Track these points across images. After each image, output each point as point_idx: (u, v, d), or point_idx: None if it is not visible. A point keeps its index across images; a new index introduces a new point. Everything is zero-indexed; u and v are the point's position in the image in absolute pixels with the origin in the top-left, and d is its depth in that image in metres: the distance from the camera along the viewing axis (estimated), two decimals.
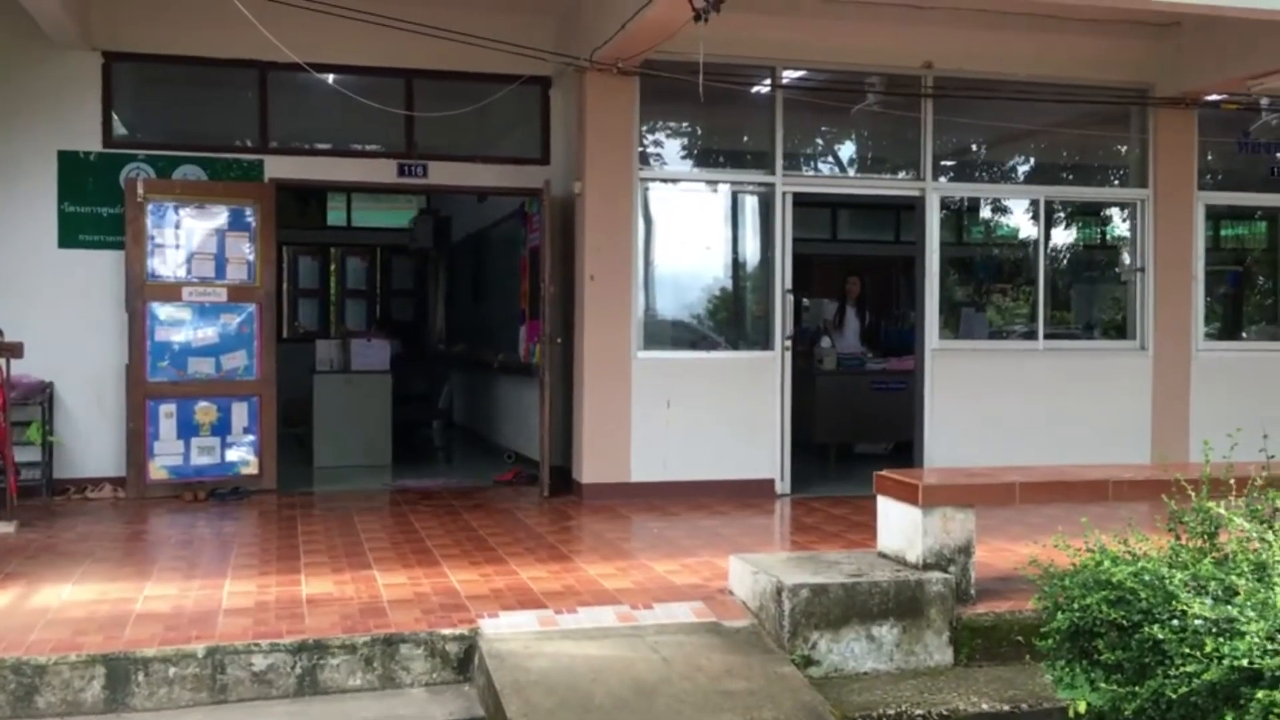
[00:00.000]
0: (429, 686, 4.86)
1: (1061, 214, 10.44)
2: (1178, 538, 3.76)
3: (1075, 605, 3.48)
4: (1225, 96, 9.66)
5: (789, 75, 9.07)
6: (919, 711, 4.67)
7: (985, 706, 4.74)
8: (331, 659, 4.80)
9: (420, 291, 16.11)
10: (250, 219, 8.83)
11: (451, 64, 8.92)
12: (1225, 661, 2.95)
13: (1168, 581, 3.26)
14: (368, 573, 6.00)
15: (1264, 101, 9.96)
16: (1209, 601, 3.13)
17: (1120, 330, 10.12)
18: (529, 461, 9.86)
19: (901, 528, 5.45)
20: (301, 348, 11.76)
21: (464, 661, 4.93)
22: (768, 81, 8.99)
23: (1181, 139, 9.70)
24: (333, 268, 16.15)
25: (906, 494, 5.38)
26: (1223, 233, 11.51)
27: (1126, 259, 10.14)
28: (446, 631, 4.96)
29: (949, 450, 9.09)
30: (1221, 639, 3.05)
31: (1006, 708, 4.75)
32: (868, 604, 5.07)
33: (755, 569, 5.36)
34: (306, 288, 15.98)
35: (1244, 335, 10.81)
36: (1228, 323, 10.74)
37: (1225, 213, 10.49)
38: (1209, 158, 10.01)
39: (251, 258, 8.86)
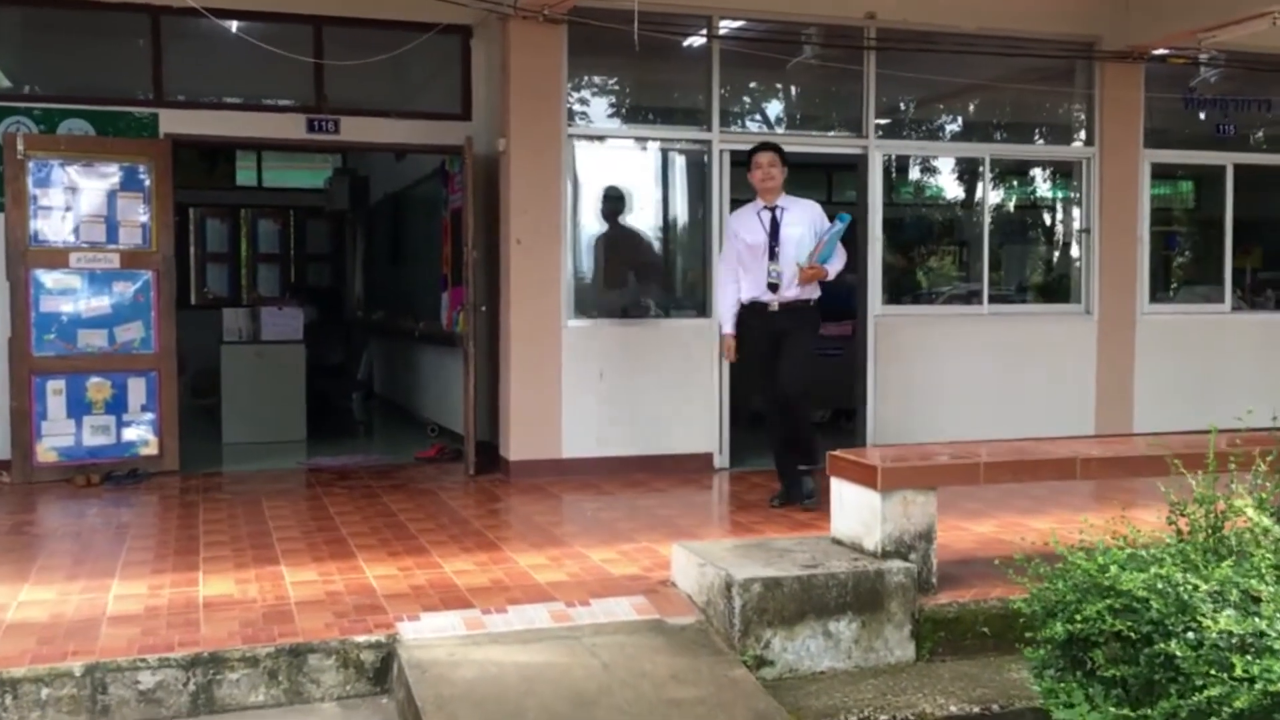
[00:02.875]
0: (341, 701, 4.35)
1: (999, 172, 10.09)
2: (1179, 533, 3.36)
3: (1073, 613, 3.07)
4: (1172, 51, 9.37)
5: (726, 25, 8.56)
6: (883, 716, 4.27)
7: (954, 709, 4.35)
8: (230, 673, 4.27)
9: (338, 256, 15.38)
10: (144, 178, 8.12)
11: (365, 10, 8.31)
12: (1258, 685, 2.57)
13: (1183, 590, 2.86)
14: (274, 569, 5.45)
15: (1204, 56, 9.68)
16: (1232, 613, 2.73)
17: (1061, 294, 9.85)
18: (454, 436, 9.33)
19: (858, 512, 5.04)
20: (211, 315, 11.05)
21: (381, 671, 4.43)
22: (704, 32, 8.48)
23: (1128, 95, 9.39)
24: (243, 230, 15.33)
25: (863, 476, 4.97)
26: (1153, 192, 11.28)
27: (1068, 219, 9.86)
28: (361, 639, 4.44)
29: (895, 421, 8.75)
30: (1250, 656, 2.66)
31: (976, 709, 4.37)
32: (824, 598, 4.66)
33: (701, 560, 4.92)
34: (215, 252, 15.15)
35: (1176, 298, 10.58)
36: (1168, 286, 10.52)
37: (1167, 172, 10.21)
38: (1154, 115, 9.71)
39: (146, 220, 8.16)
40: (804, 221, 6.67)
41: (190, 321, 12.19)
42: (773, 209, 6.70)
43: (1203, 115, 10.10)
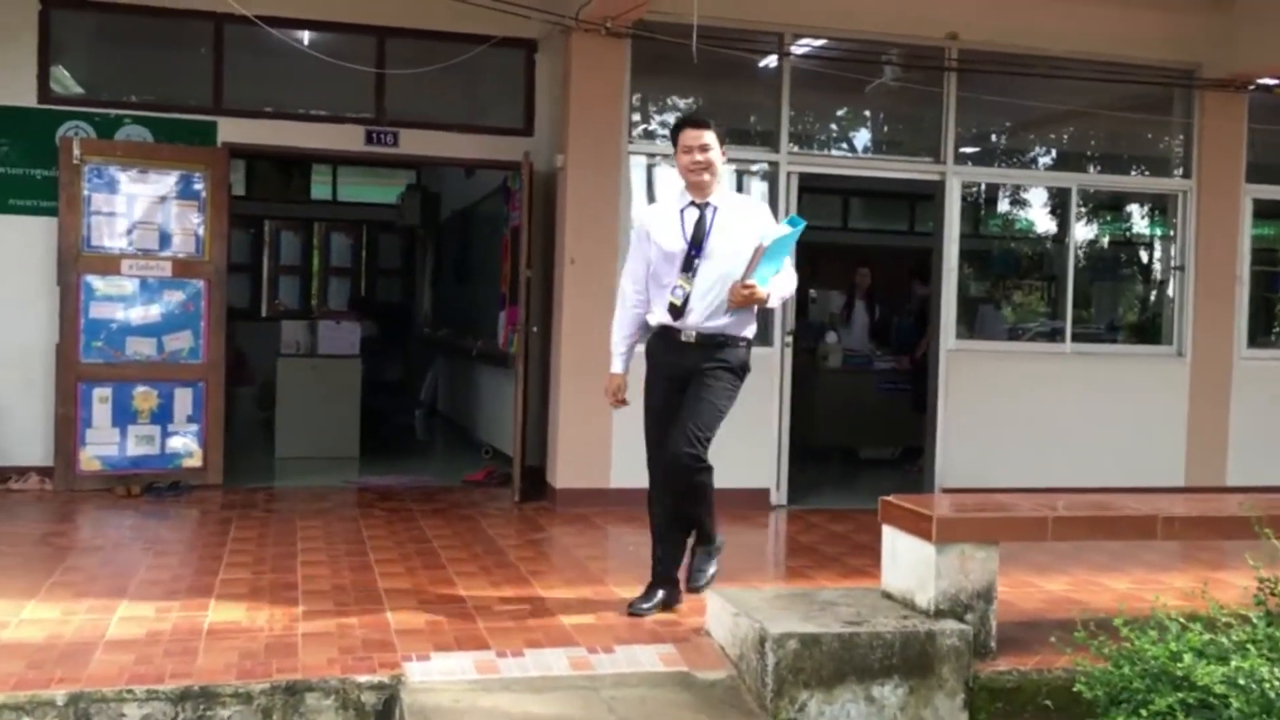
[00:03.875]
0: None
1: (1090, 206, 9.56)
2: (1268, 614, 2.90)
3: (1141, 704, 2.63)
4: (1278, 81, 8.77)
5: (798, 45, 8.20)
6: None
7: None
8: (221, 710, 3.99)
9: (408, 271, 15.31)
10: (200, 186, 8.00)
11: (430, 22, 8.11)
12: None
13: (1269, 686, 2.42)
14: (290, 594, 5.19)
15: None
16: None
17: (1151, 334, 9.27)
18: (507, 459, 9.05)
19: (911, 565, 4.62)
20: (288, 325, 10.94)
21: (383, 715, 4.11)
22: (773, 50, 8.12)
23: (1230, 126, 8.80)
24: (316, 243, 15.32)
25: (918, 526, 4.55)
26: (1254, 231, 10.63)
27: (1161, 255, 9.30)
28: (363, 679, 4.14)
29: (964, 463, 8.24)
30: None
31: None
32: (868, 659, 4.24)
33: (736, 609, 4.53)
34: (288, 264, 15.16)
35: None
36: (1270, 329, 9.85)
37: (1271, 209, 9.57)
38: (1257, 149, 9.11)
39: (200, 229, 8.03)
40: (744, 231, 4.84)
41: (260, 333, 12.23)
42: (702, 207, 4.92)
43: None
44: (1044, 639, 4.76)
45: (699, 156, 4.88)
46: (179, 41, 8.30)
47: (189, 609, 4.91)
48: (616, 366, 5.11)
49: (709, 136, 4.91)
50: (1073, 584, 5.90)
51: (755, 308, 4.95)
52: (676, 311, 4.89)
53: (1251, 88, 8.75)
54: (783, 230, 4.75)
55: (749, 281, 4.75)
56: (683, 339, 4.91)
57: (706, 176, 4.91)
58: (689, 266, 4.87)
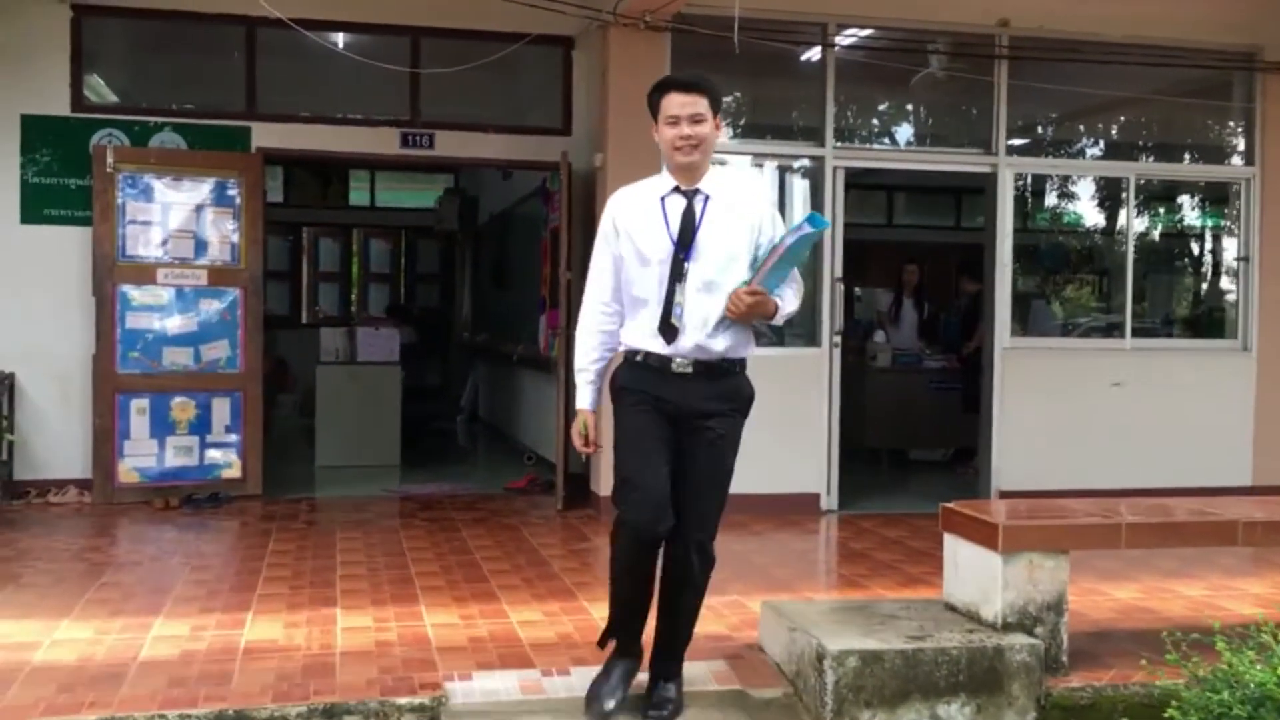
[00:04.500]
0: None
1: (1146, 196, 9.23)
2: None
3: None
4: None
5: (843, 35, 7.96)
6: None
7: None
8: None
9: (447, 276, 15.18)
10: (234, 193, 7.88)
11: (464, 20, 7.95)
12: None
13: None
14: (329, 611, 5.03)
15: None
16: None
17: (1214, 328, 8.93)
18: (549, 465, 8.87)
19: (975, 575, 4.38)
20: (326, 333, 10.84)
21: None
22: (817, 41, 7.88)
23: None
24: (355, 249, 15.24)
25: (982, 535, 4.31)
26: None
27: (1223, 246, 8.96)
28: (403, 701, 3.96)
29: (1021, 465, 7.96)
30: None
31: None
32: (933, 676, 4.01)
33: (791, 624, 4.31)
34: (327, 270, 15.08)
35: None
36: None
37: None
38: None
39: (236, 237, 7.91)
40: (743, 220, 3.78)
41: (300, 340, 12.16)
42: (690, 194, 3.77)
43: None
44: (1118, 651, 4.54)
45: (688, 130, 3.69)
46: (211, 46, 8.21)
47: (225, 627, 4.76)
48: (584, 400, 3.85)
49: (703, 104, 3.72)
50: (1143, 591, 5.63)
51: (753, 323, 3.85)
52: (670, 333, 3.70)
53: None
54: (804, 231, 3.61)
55: (756, 287, 3.68)
56: (675, 368, 3.73)
57: (697, 156, 3.71)
58: (679, 273, 3.68)
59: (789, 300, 3.80)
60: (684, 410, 3.74)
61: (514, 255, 11.53)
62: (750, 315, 3.72)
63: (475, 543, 6.58)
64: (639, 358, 3.78)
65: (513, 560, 6.16)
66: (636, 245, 3.75)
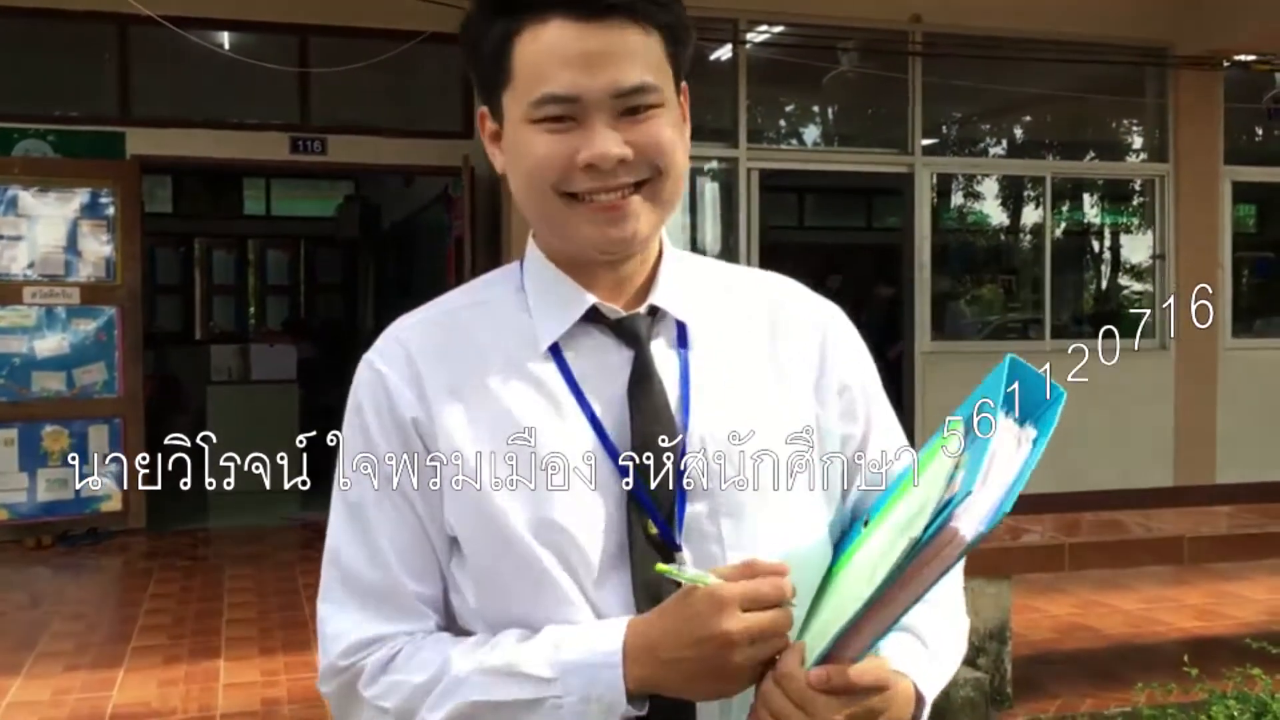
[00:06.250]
0: None
1: (1064, 193, 9.12)
2: None
3: None
4: (1255, 56, 8.38)
5: (754, 31, 7.68)
6: None
7: None
8: None
9: (349, 287, 14.61)
10: (108, 204, 7.33)
11: (355, 18, 7.50)
12: None
13: None
14: (212, 664, 4.57)
15: None
16: None
17: (1132, 326, 8.84)
18: None
19: None
20: (218, 350, 10.24)
21: None
22: (729, 39, 7.59)
23: (1205, 106, 8.40)
24: (251, 261, 14.60)
25: None
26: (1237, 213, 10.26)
27: (1139, 243, 8.88)
28: None
29: None
30: None
31: None
32: None
33: None
34: (222, 283, 14.41)
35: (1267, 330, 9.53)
36: (1256, 317, 9.43)
37: (1252, 192, 9.20)
38: (1235, 129, 8.72)
39: (111, 251, 7.36)
40: (798, 383, 1.25)
41: (194, 358, 11.50)
42: (636, 327, 1.22)
43: None
44: (1061, 676, 4.32)
45: (617, 148, 1.17)
46: (80, 47, 7.63)
47: (92, 688, 4.28)
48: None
49: (640, 45, 1.17)
50: (1079, 606, 5.42)
51: None
52: None
53: (1227, 65, 8.34)
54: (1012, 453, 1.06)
55: (852, 656, 1.05)
56: None
57: (645, 216, 1.21)
58: (649, 595, 1.13)
59: (942, 671, 1.23)
60: None
61: (418, 265, 11.07)
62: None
63: None
64: None
65: None
66: (499, 501, 1.16)
